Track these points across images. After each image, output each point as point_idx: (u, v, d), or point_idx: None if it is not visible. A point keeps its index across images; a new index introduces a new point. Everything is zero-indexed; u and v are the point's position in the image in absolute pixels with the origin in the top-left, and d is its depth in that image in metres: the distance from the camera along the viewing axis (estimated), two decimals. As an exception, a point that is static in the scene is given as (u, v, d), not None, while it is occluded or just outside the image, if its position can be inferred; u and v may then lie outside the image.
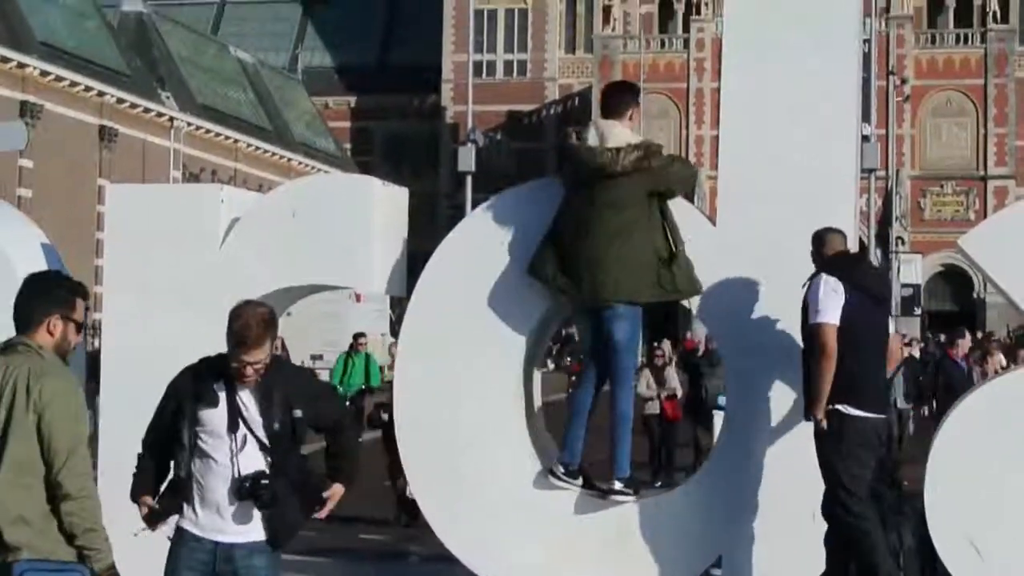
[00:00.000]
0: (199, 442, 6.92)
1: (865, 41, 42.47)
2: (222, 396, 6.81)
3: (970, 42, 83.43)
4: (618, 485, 9.02)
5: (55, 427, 5.74)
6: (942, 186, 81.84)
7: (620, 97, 9.40)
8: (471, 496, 9.40)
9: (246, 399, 6.74)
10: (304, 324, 38.66)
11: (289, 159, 75.90)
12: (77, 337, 6.17)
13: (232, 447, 6.66)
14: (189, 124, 65.60)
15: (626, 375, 9.10)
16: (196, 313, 9.70)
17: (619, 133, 9.05)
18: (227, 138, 69.66)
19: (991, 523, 8.93)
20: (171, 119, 64.12)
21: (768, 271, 9.04)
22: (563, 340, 55.31)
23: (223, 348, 8.89)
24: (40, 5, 56.37)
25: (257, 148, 72.73)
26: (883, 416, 8.87)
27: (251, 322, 6.79)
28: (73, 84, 55.87)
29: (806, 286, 8.67)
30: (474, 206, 10.57)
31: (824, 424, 8.44)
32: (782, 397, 9.03)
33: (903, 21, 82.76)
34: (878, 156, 50.25)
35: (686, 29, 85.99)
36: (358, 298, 44.91)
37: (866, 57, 44.03)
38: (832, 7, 9.54)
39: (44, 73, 54.01)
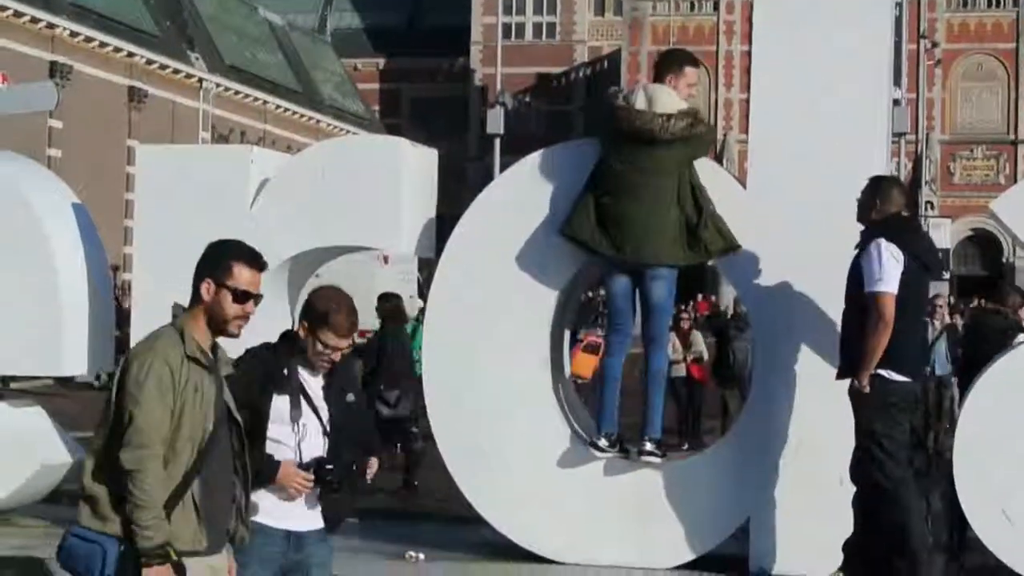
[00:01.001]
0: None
1: (896, 5, 42.22)
2: (291, 381, 6.60)
3: (1002, 6, 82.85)
4: (649, 446, 9.04)
5: (121, 398, 5.67)
6: (972, 150, 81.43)
7: (663, 63, 9.49)
8: (500, 458, 9.43)
9: (312, 384, 6.60)
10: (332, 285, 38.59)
11: (318, 121, 75.89)
12: (240, 307, 5.76)
13: (297, 432, 6.50)
14: (218, 85, 65.61)
15: (662, 335, 9.26)
16: (226, 274, 9.73)
17: (668, 99, 9.08)
18: (256, 99, 69.67)
19: (1021, 488, 8.92)
20: (200, 80, 64.15)
21: (798, 235, 9.03)
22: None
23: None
24: (70, -34, 56.41)
25: (286, 110, 72.73)
26: (920, 380, 8.84)
27: (346, 311, 6.67)
28: (103, 45, 55.92)
29: (863, 248, 8.51)
30: (503, 169, 10.57)
31: (867, 388, 8.39)
32: (809, 361, 9.02)
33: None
34: (908, 120, 50.10)
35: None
36: (385, 260, 44.93)
37: (897, 21, 43.82)
38: (864, -30, 9.50)
39: (74, 34, 54.07)
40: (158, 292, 9.96)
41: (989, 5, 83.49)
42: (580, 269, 9.49)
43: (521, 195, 9.58)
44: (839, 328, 8.68)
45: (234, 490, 5.86)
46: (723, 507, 9.21)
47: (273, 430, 6.51)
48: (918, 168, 64.50)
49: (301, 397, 6.53)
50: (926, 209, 62.70)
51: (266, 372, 6.56)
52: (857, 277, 8.48)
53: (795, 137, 9.25)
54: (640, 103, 9.03)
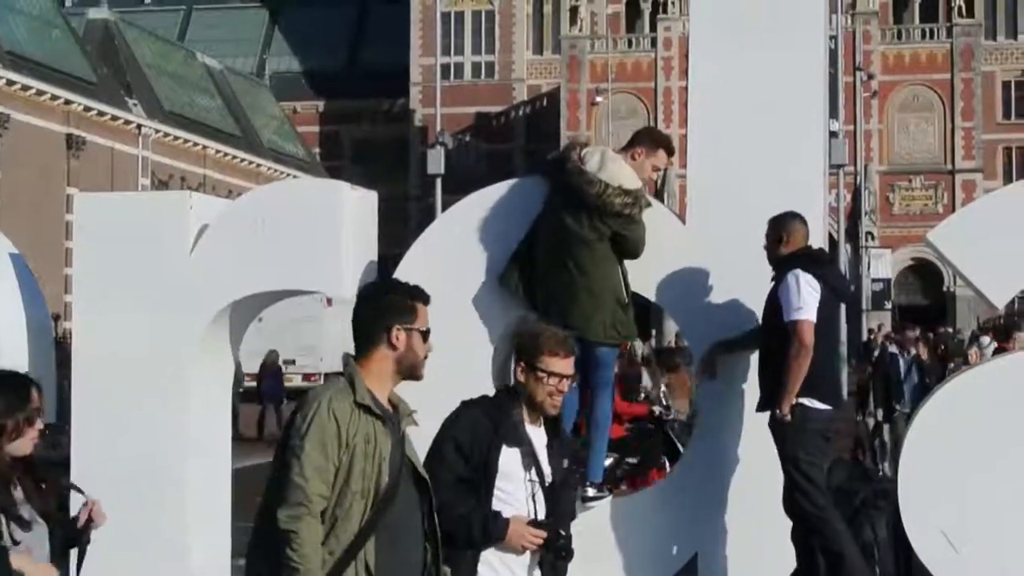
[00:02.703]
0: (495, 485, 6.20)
1: (831, 37, 42.57)
2: (519, 433, 6.18)
3: (936, 37, 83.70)
4: (591, 492, 9.03)
5: (283, 451, 5.25)
6: (910, 180, 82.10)
7: (640, 135, 9.34)
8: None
9: (535, 439, 6.12)
10: (276, 329, 38.58)
11: (258, 165, 75.76)
12: (426, 346, 5.54)
13: (528, 487, 6.09)
14: (157, 131, 65.44)
15: (605, 384, 9.13)
16: (167, 320, 9.68)
17: (618, 170, 8.89)
18: (195, 145, 69.52)
19: (964, 515, 8.96)
20: (139, 126, 63.96)
21: (738, 269, 9.05)
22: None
23: (193, 354, 8.89)
24: (5, 14, 56.17)
25: (226, 154, 72.59)
26: (838, 409, 8.92)
27: (557, 329, 6.27)
28: (40, 92, 55.69)
29: (779, 280, 8.65)
30: (444, 208, 10.59)
31: (788, 417, 8.49)
32: (753, 393, 9.04)
33: (869, 17, 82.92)
34: (846, 152, 50.39)
35: (653, 28, 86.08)
36: (329, 302, 44.86)
37: (833, 53, 44.13)
38: (798, 4, 9.57)
39: (10, 82, 53.84)
40: (99, 340, 9.92)
41: (923, 36, 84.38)
42: (522, 310, 9.49)
43: (462, 234, 9.58)
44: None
45: (424, 555, 5.40)
46: (670, 543, 9.20)
47: (499, 485, 6.14)
48: (857, 199, 64.94)
49: (530, 448, 6.09)
50: (866, 240, 63.12)
51: (494, 424, 6.15)
52: (774, 309, 8.62)
53: (733, 170, 9.28)
54: (592, 164, 8.91)
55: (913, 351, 24.40)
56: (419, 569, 5.31)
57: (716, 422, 9.19)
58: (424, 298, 5.83)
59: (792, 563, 8.71)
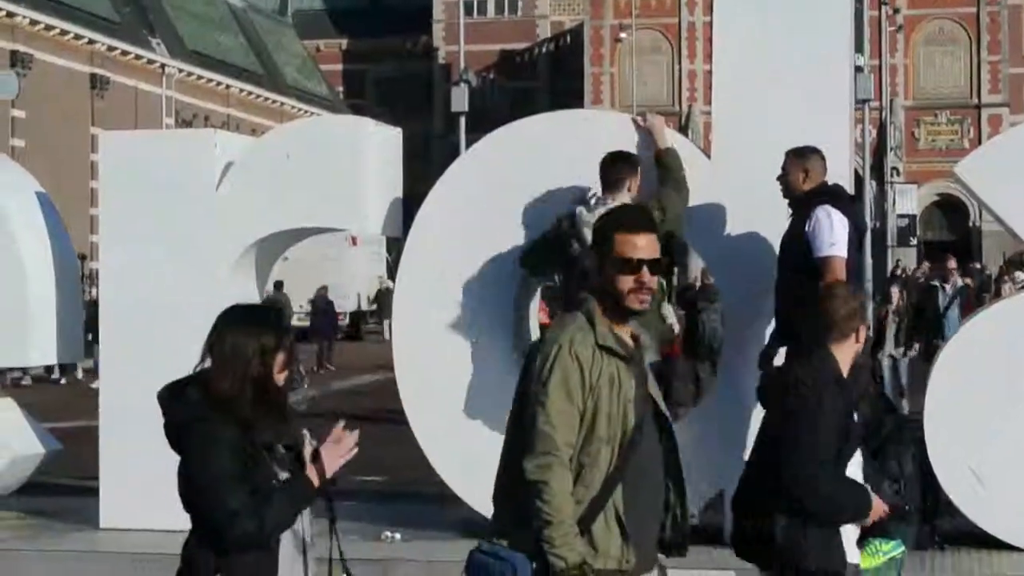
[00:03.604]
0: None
1: (857, -29, 42.17)
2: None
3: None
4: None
5: (523, 397, 4.97)
6: (936, 115, 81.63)
7: (615, 171, 8.90)
8: (472, 436, 9.44)
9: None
10: (302, 269, 38.59)
11: (282, 103, 75.66)
12: (631, 278, 4.88)
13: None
14: (180, 71, 65.36)
15: None
16: (193, 258, 9.71)
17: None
18: (219, 84, 69.44)
19: (990, 449, 8.97)
20: (162, 66, 63.89)
21: (763, 204, 9.03)
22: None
23: (219, 293, 8.91)
24: (27, -46, 56.09)
25: (249, 93, 72.51)
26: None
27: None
28: (63, 32, 55.63)
29: (806, 215, 8.57)
30: (468, 146, 10.57)
31: None
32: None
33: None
34: (872, 86, 50.08)
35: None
36: (354, 241, 44.90)
37: (858, -13, 43.83)
38: (823, -63, 9.51)
39: (34, 22, 53.78)
40: (125, 279, 9.96)
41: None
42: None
43: (486, 171, 9.58)
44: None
45: (666, 495, 5.14)
46: (696, 479, 9.21)
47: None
48: (883, 134, 64.55)
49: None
50: (892, 175, 62.84)
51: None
52: (799, 245, 8.51)
53: (758, 106, 9.25)
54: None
55: (959, 281, 24.13)
56: (662, 511, 5.08)
57: (741, 357, 9.19)
58: (631, 226, 5.08)
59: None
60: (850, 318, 6.03)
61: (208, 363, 5.00)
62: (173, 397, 5.06)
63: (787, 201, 8.72)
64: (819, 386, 5.80)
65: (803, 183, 8.66)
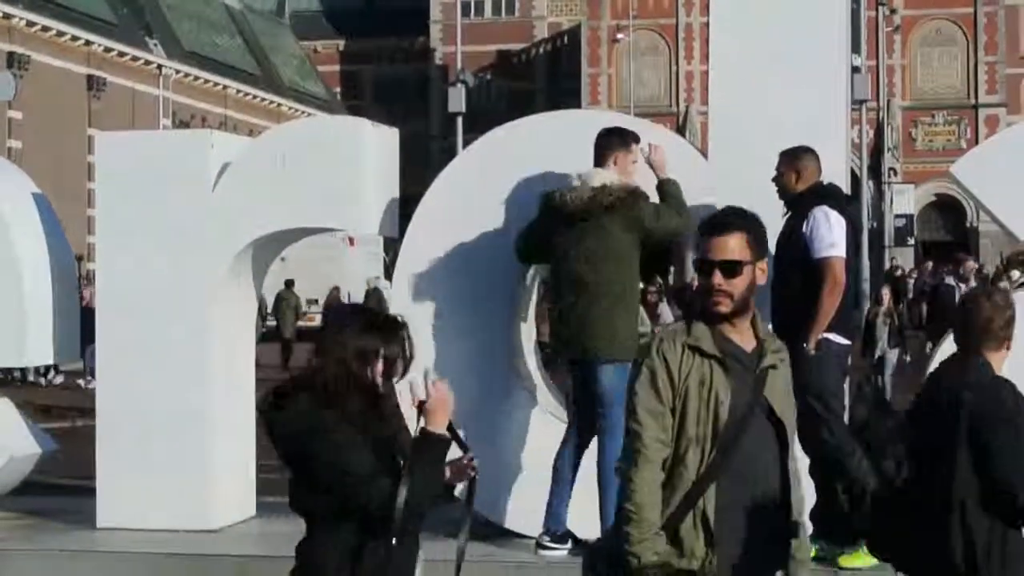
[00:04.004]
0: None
1: (854, -28, 42.17)
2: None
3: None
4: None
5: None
6: (933, 116, 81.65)
7: (603, 145, 8.94)
8: (469, 434, 9.43)
9: None
10: (299, 269, 38.65)
11: (279, 104, 75.67)
12: (705, 280, 4.92)
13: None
14: (177, 72, 65.38)
15: (615, 427, 8.25)
16: (190, 259, 9.71)
17: (601, 174, 8.77)
18: (216, 85, 69.45)
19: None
20: (159, 67, 63.91)
21: (760, 205, 8.97)
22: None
23: (215, 292, 8.93)
24: (24, -45, 56.08)
25: (246, 94, 72.52)
26: (853, 343, 8.91)
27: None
28: (60, 34, 55.66)
29: (803, 216, 8.59)
30: (466, 147, 10.58)
31: (813, 351, 8.49)
32: (774, 327, 9.03)
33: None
34: (869, 87, 50.12)
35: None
36: (351, 241, 44.90)
37: (855, -12, 43.85)
38: (819, -63, 9.51)
39: (30, 23, 53.81)
40: (122, 280, 9.95)
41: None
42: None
43: (482, 171, 9.59)
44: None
45: (777, 501, 4.96)
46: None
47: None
48: (880, 135, 64.63)
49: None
50: (889, 176, 62.89)
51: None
52: (795, 245, 8.55)
53: (755, 106, 9.26)
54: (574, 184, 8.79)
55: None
56: (769, 518, 4.93)
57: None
58: (710, 229, 5.11)
59: (813, 497, 8.71)
60: (1007, 325, 5.95)
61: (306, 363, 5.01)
62: (282, 408, 4.98)
63: (783, 202, 8.75)
64: (1012, 394, 5.72)
65: (796, 183, 8.71)
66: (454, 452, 5.05)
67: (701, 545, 4.82)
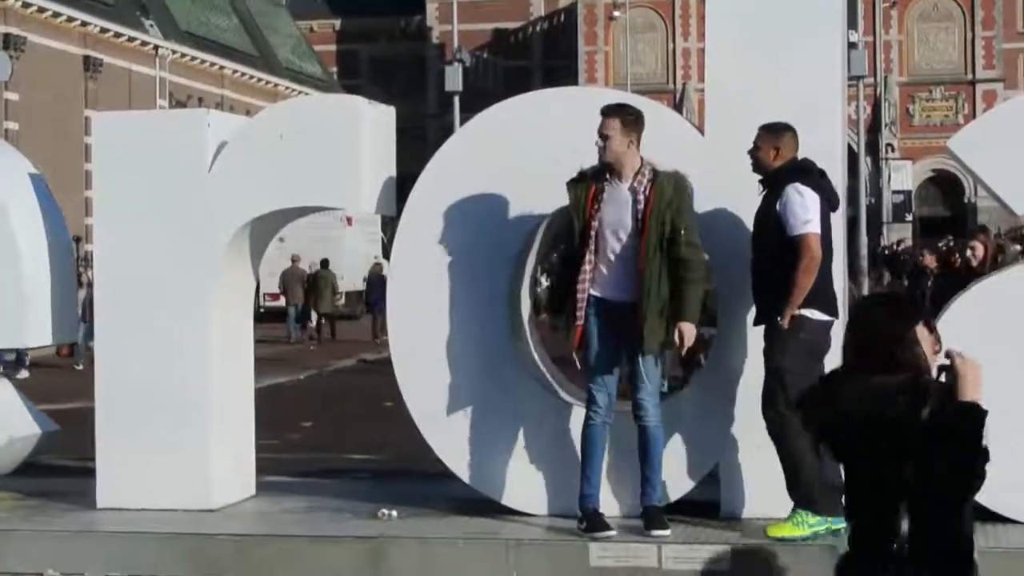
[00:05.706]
0: None
1: (850, -53, 42.16)
2: None
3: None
4: (656, 533, 8.71)
5: None
6: (931, 91, 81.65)
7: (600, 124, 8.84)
8: (468, 413, 9.46)
9: None
10: (297, 248, 38.71)
11: (276, 84, 75.52)
12: None
13: None
14: (174, 52, 65.21)
15: (651, 397, 8.82)
16: (187, 238, 9.71)
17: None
18: (212, 65, 69.29)
19: (989, 423, 8.95)
20: (155, 47, 63.73)
21: (756, 179, 9.03)
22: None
23: (213, 272, 8.94)
24: (19, -64, 55.93)
25: (243, 74, 72.35)
26: (836, 319, 8.83)
27: None
28: (56, 15, 55.50)
29: (778, 194, 8.61)
30: (462, 126, 10.58)
31: (786, 325, 8.50)
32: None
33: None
34: (866, 63, 50.11)
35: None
36: (349, 221, 44.89)
37: (852, -37, 43.82)
38: (815, -87, 9.50)
39: (26, 4, 53.64)
40: (120, 260, 9.96)
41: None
42: (538, 223, 9.52)
43: (479, 150, 9.59)
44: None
45: None
46: (692, 453, 9.25)
47: None
48: (877, 111, 64.66)
49: None
50: (886, 152, 62.90)
51: None
52: (772, 222, 8.59)
53: (751, 82, 9.25)
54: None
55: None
56: None
57: (734, 332, 9.20)
58: None
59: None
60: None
61: None
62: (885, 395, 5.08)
63: (758, 177, 8.77)
64: None
65: (773, 160, 8.73)
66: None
67: None
